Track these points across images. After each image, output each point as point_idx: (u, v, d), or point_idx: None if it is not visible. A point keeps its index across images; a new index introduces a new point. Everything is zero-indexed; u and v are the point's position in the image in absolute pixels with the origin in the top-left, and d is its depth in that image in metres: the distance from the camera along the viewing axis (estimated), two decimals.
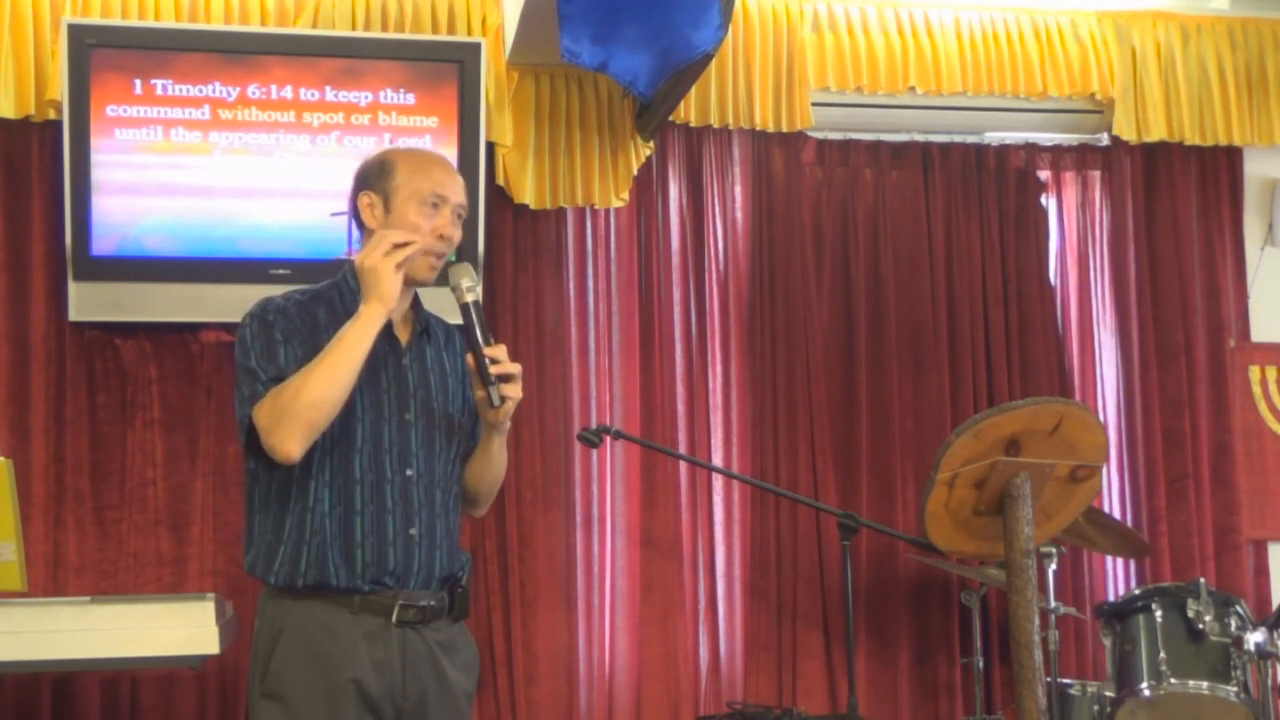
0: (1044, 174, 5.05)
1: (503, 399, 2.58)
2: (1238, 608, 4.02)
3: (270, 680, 2.58)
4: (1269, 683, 3.90)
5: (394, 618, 2.57)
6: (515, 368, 2.60)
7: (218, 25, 4.29)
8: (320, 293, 2.72)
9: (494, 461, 2.76)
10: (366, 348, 2.52)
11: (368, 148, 4.23)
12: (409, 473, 2.62)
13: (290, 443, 2.49)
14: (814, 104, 4.73)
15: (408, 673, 2.59)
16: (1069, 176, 5.07)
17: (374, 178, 2.72)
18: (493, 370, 2.57)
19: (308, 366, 2.51)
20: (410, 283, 2.66)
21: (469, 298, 2.60)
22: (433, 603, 2.62)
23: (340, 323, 2.58)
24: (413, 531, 2.60)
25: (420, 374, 2.69)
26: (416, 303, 2.77)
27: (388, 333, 2.65)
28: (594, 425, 4.44)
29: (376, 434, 2.60)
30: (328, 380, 2.49)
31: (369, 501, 2.59)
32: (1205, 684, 3.89)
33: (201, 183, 4.18)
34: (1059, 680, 4.11)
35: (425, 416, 2.67)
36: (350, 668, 2.54)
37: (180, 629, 3.34)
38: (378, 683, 2.56)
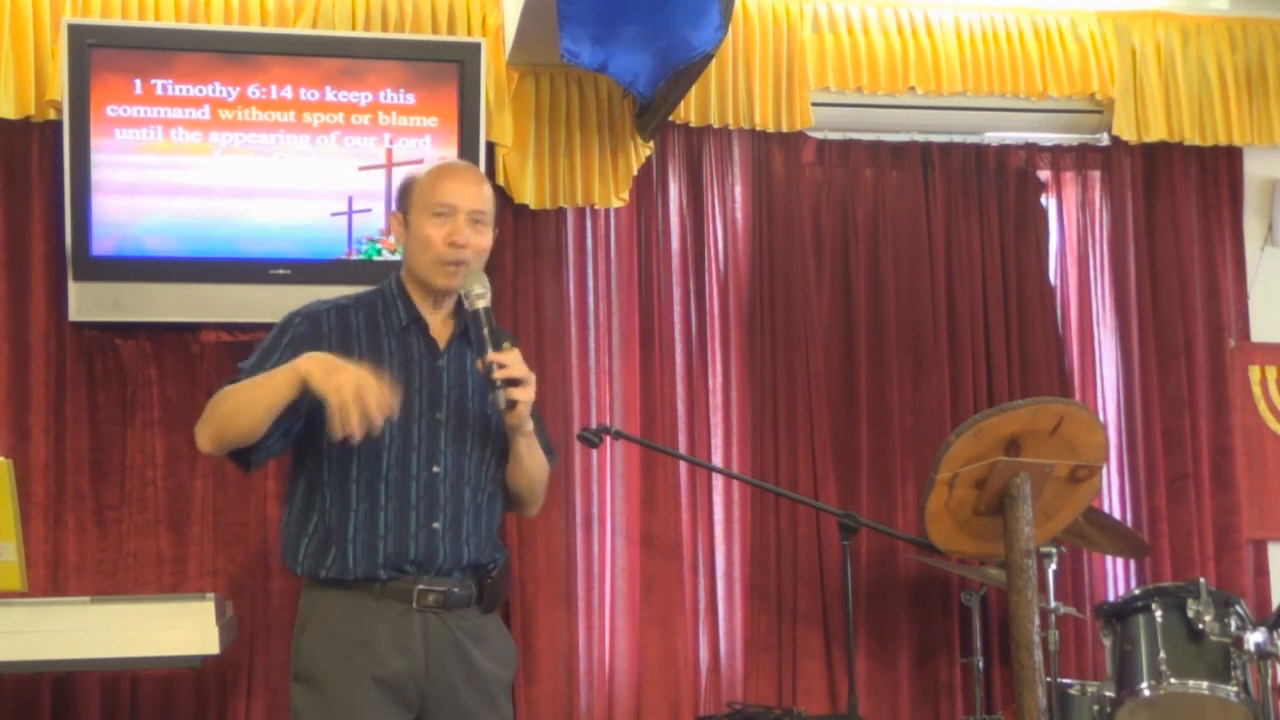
0: (1044, 174, 5.05)
1: (511, 403, 2.65)
2: (1238, 608, 4.02)
3: (299, 663, 2.72)
4: (1269, 683, 3.90)
5: (414, 602, 2.67)
6: (522, 372, 2.66)
7: (218, 25, 4.29)
8: (363, 298, 2.84)
9: (524, 464, 2.82)
10: (277, 397, 2.59)
11: (368, 148, 4.26)
12: (435, 469, 2.72)
13: (201, 437, 2.70)
14: (814, 104, 4.73)
15: (430, 658, 2.67)
16: (1069, 176, 5.07)
17: (400, 198, 2.86)
18: (497, 375, 2.63)
19: (247, 381, 2.66)
20: (432, 290, 2.79)
21: (479, 304, 2.70)
22: (455, 589, 2.70)
23: (377, 330, 2.75)
24: (436, 525, 2.70)
25: (457, 375, 2.79)
26: (460, 305, 2.83)
27: (424, 335, 2.79)
28: (594, 425, 4.44)
29: (405, 432, 2.70)
30: (241, 401, 2.63)
31: (392, 497, 2.69)
32: (1205, 684, 3.89)
33: (201, 183, 4.18)
34: (1059, 680, 4.11)
35: (457, 416, 2.76)
36: (372, 652, 2.64)
37: (180, 629, 3.34)
38: (400, 667, 2.66)
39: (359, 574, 2.67)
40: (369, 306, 2.81)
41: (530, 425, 2.76)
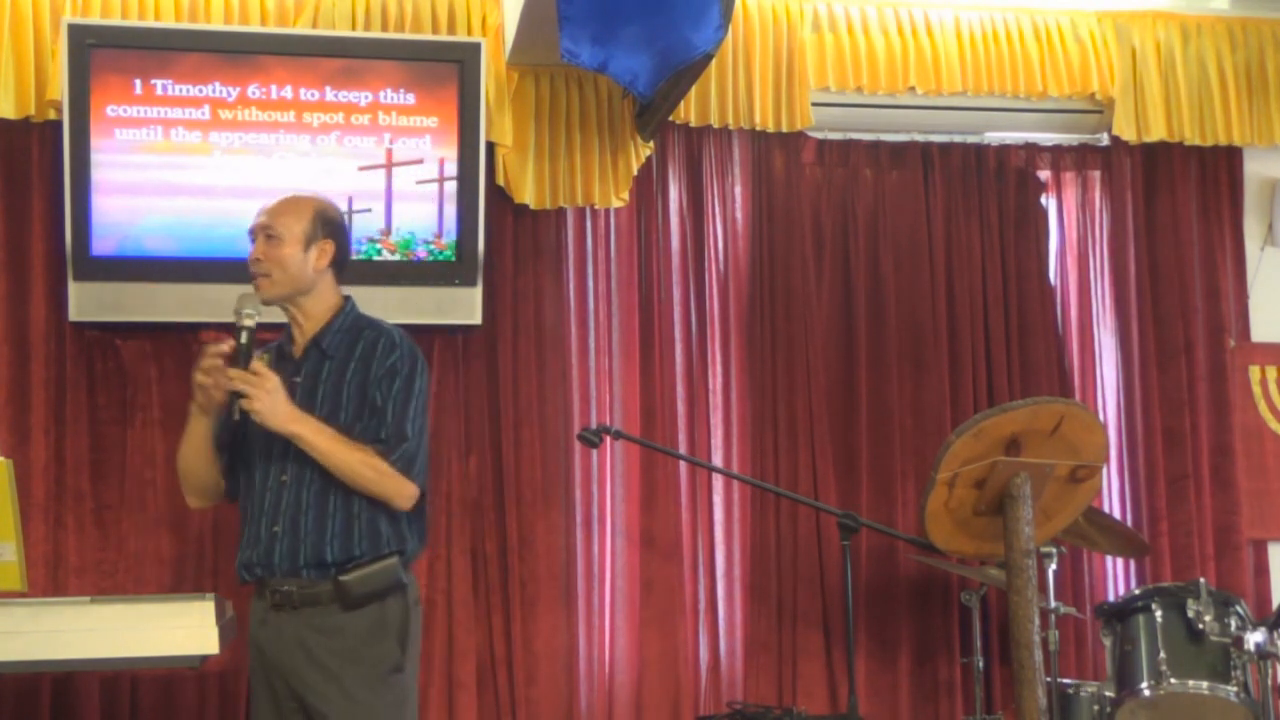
0: (1044, 174, 5.05)
1: (240, 410, 2.93)
2: (1238, 608, 4.02)
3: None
4: (1269, 683, 3.90)
5: (269, 602, 3.00)
6: (242, 384, 2.91)
7: (218, 25, 4.29)
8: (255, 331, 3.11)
9: (320, 461, 2.96)
10: (192, 437, 3.10)
11: (368, 148, 4.26)
12: (284, 477, 3.02)
13: (186, 498, 3.25)
14: (814, 104, 4.73)
15: (282, 653, 2.98)
16: (1069, 176, 5.07)
17: None
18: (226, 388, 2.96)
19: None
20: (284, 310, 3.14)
21: (245, 323, 3.00)
22: (297, 589, 2.96)
23: (279, 375, 2.99)
24: (276, 529, 2.99)
25: (309, 387, 3.05)
26: (337, 318, 3.10)
27: (285, 356, 3.12)
28: (594, 425, 4.44)
29: (267, 448, 3.02)
30: (180, 457, 3.15)
31: (254, 508, 3.05)
32: (1205, 684, 3.89)
33: (201, 183, 4.18)
34: (1059, 680, 4.11)
35: None
36: (256, 650, 3.06)
37: (180, 629, 3.33)
38: (266, 661, 3.01)
39: (240, 579, 3.09)
40: (277, 350, 3.18)
41: (295, 429, 2.93)
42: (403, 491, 3.01)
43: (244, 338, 2.98)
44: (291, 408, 2.95)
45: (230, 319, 4.12)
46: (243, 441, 3.10)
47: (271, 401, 2.91)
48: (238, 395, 2.92)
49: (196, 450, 3.11)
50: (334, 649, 2.94)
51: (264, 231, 3.08)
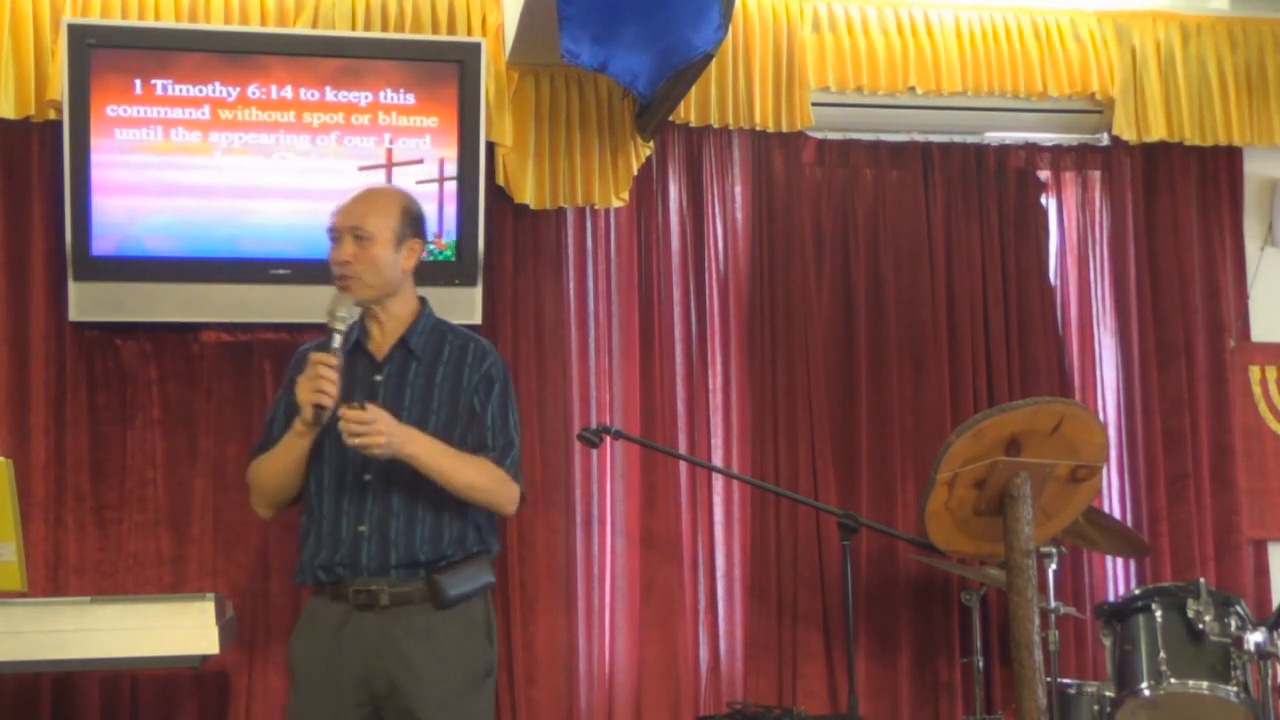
0: (1044, 174, 5.05)
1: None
2: (1238, 608, 4.02)
3: (289, 665, 3.01)
4: (1269, 683, 3.90)
5: (351, 603, 2.89)
6: (360, 441, 2.83)
7: (218, 25, 4.29)
8: (348, 335, 2.99)
9: (431, 476, 2.90)
10: (291, 453, 2.95)
11: (368, 148, 4.26)
12: (367, 478, 2.93)
13: (258, 509, 3.11)
14: (814, 104, 4.73)
15: (370, 655, 2.87)
16: (1069, 176, 5.07)
17: None
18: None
19: (267, 455, 3.02)
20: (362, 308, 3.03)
21: (339, 326, 2.91)
22: (388, 589, 2.88)
23: (353, 371, 2.95)
24: (361, 529, 2.91)
25: (395, 388, 2.98)
26: (420, 320, 3.03)
27: (365, 351, 3.02)
28: (594, 425, 4.44)
29: (342, 447, 2.89)
30: (267, 473, 3.02)
31: (331, 506, 2.94)
32: (1205, 684, 3.89)
33: (201, 183, 4.17)
34: (1059, 680, 4.11)
35: None
36: (326, 653, 2.90)
37: (180, 629, 3.35)
38: (347, 664, 2.87)
39: (310, 579, 2.97)
40: (355, 344, 3.03)
41: (410, 451, 2.86)
42: (514, 496, 3.01)
43: (337, 342, 2.89)
44: (402, 429, 2.87)
45: (229, 318, 4.21)
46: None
47: (389, 439, 2.83)
48: (321, 408, 2.86)
49: (294, 465, 2.98)
50: (428, 653, 2.87)
51: (352, 232, 2.97)
